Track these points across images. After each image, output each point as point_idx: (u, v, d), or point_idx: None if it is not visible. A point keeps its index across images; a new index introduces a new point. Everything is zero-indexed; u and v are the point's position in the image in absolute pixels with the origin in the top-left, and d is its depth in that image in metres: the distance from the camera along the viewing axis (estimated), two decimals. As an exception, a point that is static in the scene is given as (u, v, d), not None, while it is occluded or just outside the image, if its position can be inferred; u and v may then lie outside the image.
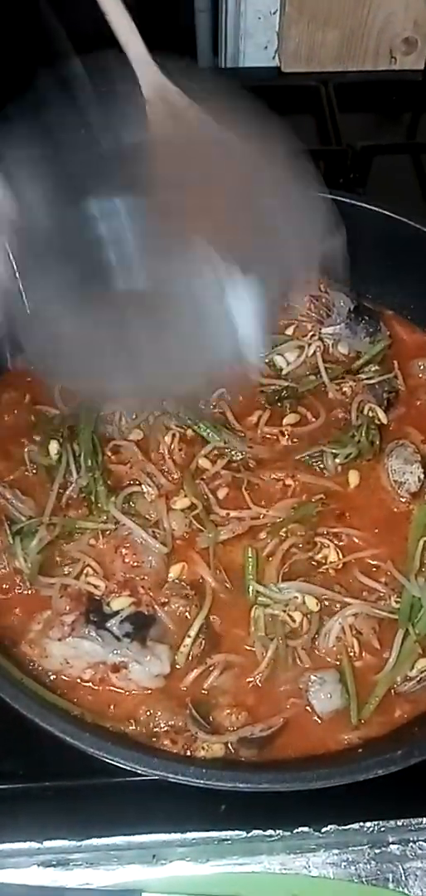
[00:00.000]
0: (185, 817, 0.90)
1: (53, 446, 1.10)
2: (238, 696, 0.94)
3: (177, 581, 1.00)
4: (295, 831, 0.90)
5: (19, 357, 1.03)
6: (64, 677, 0.94)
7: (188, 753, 0.89)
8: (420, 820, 0.91)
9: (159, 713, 0.91)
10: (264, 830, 0.90)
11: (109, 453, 1.11)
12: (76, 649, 0.93)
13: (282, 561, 1.02)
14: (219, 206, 0.86)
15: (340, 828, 0.90)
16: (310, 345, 1.22)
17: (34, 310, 0.87)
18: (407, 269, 1.25)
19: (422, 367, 1.23)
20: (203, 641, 0.96)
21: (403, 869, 0.91)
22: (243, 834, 0.90)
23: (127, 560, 1.01)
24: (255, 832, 0.90)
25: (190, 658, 0.95)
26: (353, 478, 1.10)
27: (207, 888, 0.89)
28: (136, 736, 0.90)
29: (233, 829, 0.90)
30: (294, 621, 0.97)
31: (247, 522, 1.05)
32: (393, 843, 0.91)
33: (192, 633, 0.96)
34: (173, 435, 1.12)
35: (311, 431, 1.15)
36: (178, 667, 0.95)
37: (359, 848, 0.91)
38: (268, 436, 1.14)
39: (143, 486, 1.07)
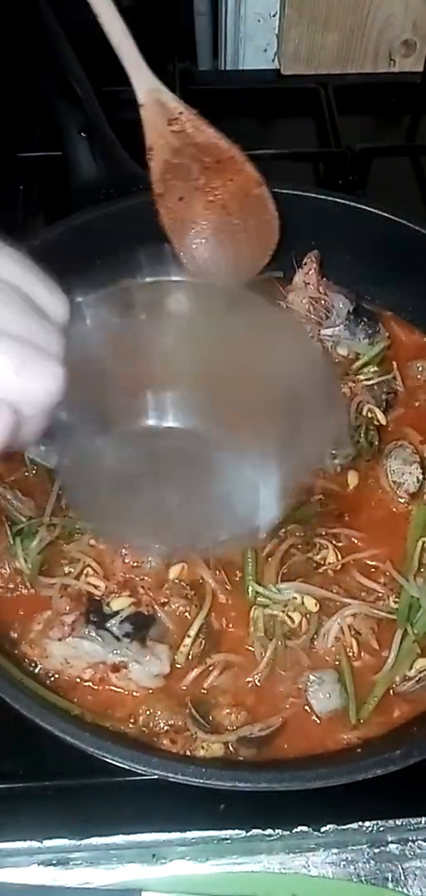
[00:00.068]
0: (185, 816, 0.90)
1: (54, 447, 1.10)
2: (237, 696, 0.94)
3: (176, 581, 1.01)
4: (294, 831, 0.90)
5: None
6: (64, 677, 0.94)
7: (188, 753, 0.89)
8: (419, 819, 0.92)
9: (159, 713, 0.91)
10: (263, 830, 0.90)
11: (109, 454, 1.11)
12: (76, 649, 0.94)
13: (281, 561, 1.02)
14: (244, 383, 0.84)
15: (339, 827, 0.90)
16: (309, 346, 1.22)
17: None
18: (406, 270, 1.25)
19: (420, 369, 1.24)
20: (203, 641, 0.96)
21: (402, 868, 0.91)
22: (242, 833, 0.90)
23: (127, 560, 1.01)
24: (255, 831, 0.90)
25: (189, 658, 0.96)
26: (352, 478, 1.10)
27: (207, 887, 0.89)
28: (136, 735, 0.90)
29: (232, 829, 0.90)
30: (293, 621, 0.97)
31: (247, 523, 1.05)
32: (392, 842, 0.92)
33: (192, 633, 0.96)
34: (173, 436, 1.12)
35: (311, 433, 1.15)
36: (177, 666, 0.95)
37: (359, 847, 0.91)
38: (267, 437, 1.14)
39: (142, 486, 1.07)
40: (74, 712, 0.90)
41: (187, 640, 0.96)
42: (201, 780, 0.82)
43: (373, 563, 1.03)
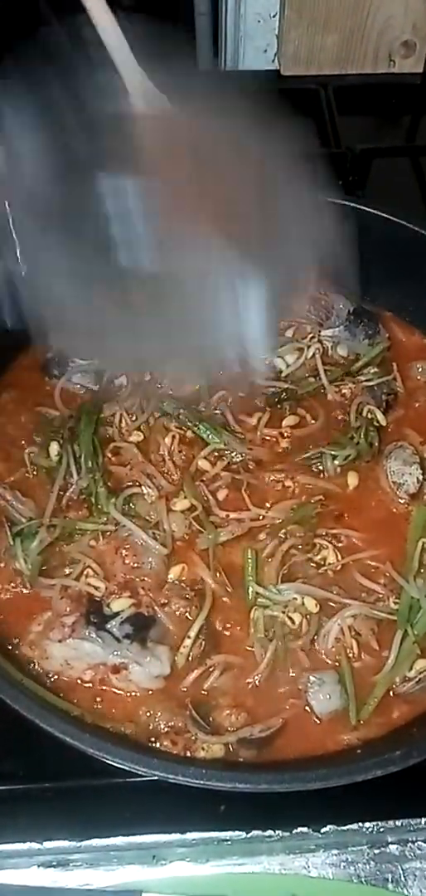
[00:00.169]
0: (185, 818, 0.90)
1: (54, 448, 1.10)
2: (238, 697, 0.94)
3: (177, 582, 1.01)
4: (294, 832, 0.90)
5: (17, 318, 1.02)
6: (64, 678, 0.94)
7: (188, 754, 0.89)
8: (419, 820, 0.92)
9: (159, 714, 0.91)
10: (264, 831, 0.90)
11: (109, 455, 1.11)
12: (76, 650, 0.94)
13: (281, 562, 1.02)
14: (225, 198, 0.85)
15: (339, 828, 0.90)
16: (309, 347, 1.22)
17: (31, 270, 0.86)
18: (406, 271, 1.25)
19: (420, 370, 1.24)
20: (203, 642, 0.96)
21: (402, 869, 0.91)
22: (243, 834, 0.90)
23: (127, 561, 1.01)
24: (255, 833, 0.90)
25: (190, 659, 0.96)
26: (352, 479, 1.11)
27: (207, 888, 0.89)
28: (136, 737, 0.90)
29: (232, 830, 0.90)
30: (293, 622, 0.98)
31: (247, 524, 1.05)
32: (392, 843, 0.92)
33: (192, 634, 0.96)
34: (173, 437, 1.12)
35: (311, 433, 1.15)
36: (178, 668, 0.95)
37: (359, 848, 0.91)
38: (267, 437, 1.14)
39: (143, 487, 1.07)
40: (74, 713, 0.91)
41: (187, 642, 0.96)
42: (201, 782, 0.82)
43: (374, 563, 1.03)
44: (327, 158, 1.57)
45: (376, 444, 1.13)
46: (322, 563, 1.03)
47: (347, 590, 1.01)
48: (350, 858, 0.91)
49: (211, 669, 0.95)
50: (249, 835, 0.90)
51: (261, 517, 1.06)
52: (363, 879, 0.90)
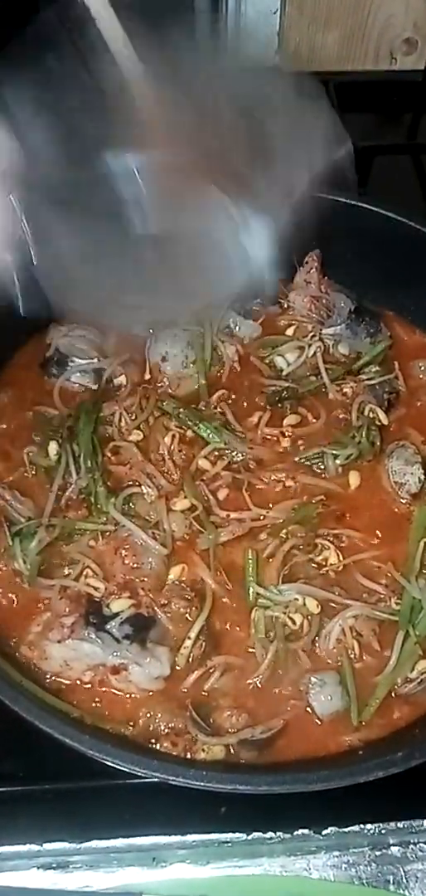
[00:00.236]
0: (185, 819, 0.90)
1: (53, 447, 1.10)
2: (238, 698, 0.93)
3: (177, 583, 1.00)
4: (295, 833, 0.90)
5: (30, 304, 1.03)
6: (63, 679, 0.94)
7: (188, 755, 0.88)
8: (420, 822, 0.92)
9: (159, 715, 0.91)
10: (264, 833, 0.90)
11: (109, 454, 1.11)
12: (76, 651, 0.93)
13: (282, 562, 1.01)
14: (222, 135, 0.87)
15: (341, 830, 0.90)
16: (310, 345, 1.22)
17: (43, 252, 0.87)
18: (407, 269, 1.25)
19: (422, 368, 1.23)
20: (203, 643, 0.96)
21: (404, 871, 0.91)
22: (243, 836, 0.89)
23: (127, 561, 1.01)
24: (256, 834, 0.89)
25: (190, 660, 0.95)
26: (354, 479, 1.10)
27: (207, 890, 0.89)
28: (136, 738, 0.90)
29: (233, 832, 0.90)
30: (294, 623, 0.97)
31: (248, 524, 1.05)
32: (393, 845, 0.91)
33: (193, 634, 0.95)
34: (173, 436, 1.12)
35: (312, 432, 1.14)
36: (178, 669, 0.95)
37: (360, 850, 0.91)
38: (268, 437, 1.14)
39: (142, 487, 1.06)
40: (74, 715, 0.90)
41: (188, 642, 0.95)
42: (202, 783, 0.81)
43: (375, 564, 1.03)
44: (328, 156, 1.57)
45: (378, 443, 1.13)
46: (323, 563, 1.02)
47: (349, 590, 1.00)
48: (351, 860, 0.91)
49: (211, 670, 0.95)
50: (250, 836, 0.90)
51: (261, 517, 1.06)
52: (364, 881, 0.90)
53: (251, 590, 0.99)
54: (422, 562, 1.03)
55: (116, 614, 0.96)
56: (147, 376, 1.18)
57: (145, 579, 1.00)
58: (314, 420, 1.16)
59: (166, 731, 0.90)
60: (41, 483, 1.08)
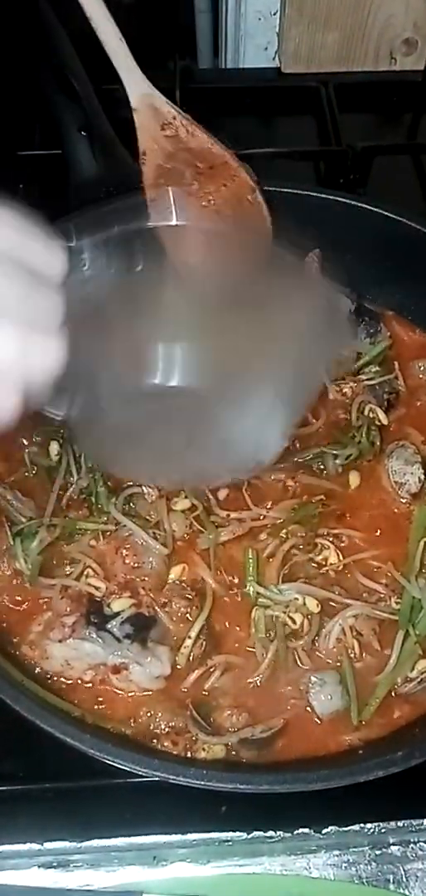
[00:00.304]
0: (186, 818, 0.90)
1: (54, 447, 1.10)
2: (238, 698, 0.94)
3: (177, 582, 1.00)
4: (295, 832, 0.90)
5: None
6: (64, 679, 0.94)
7: (189, 755, 0.89)
8: (421, 821, 0.91)
9: (160, 714, 0.91)
10: (265, 832, 0.90)
11: (110, 454, 1.11)
12: (77, 651, 0.93)
13: (282, 562, 1.02)
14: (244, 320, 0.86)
15: (341, 829, 0.90)
16: (310, 346, 1.22)
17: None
18: (407, 269, 1.25)
19: (422, 368, 1.23)
20: (204, 643, 0.96)
21: (404, 870, 0.91)
22: (244, 835, 0.90)
23: (127, 561, 1.01)
24: (256, 833, 0.90)
25: (190, 659, 0.95)
26: (354, 479, 1.10)
27: (208, 889, 0.89)
28: (137, 737, 0.90)
29: (233, 831, 0.90)
30: (294, 622, 0.97)
31: (248, 523, 1.05)
32: (393, 844, 0.91)
33: (193, 634, 0.96)
34: (174, 436, 1.12)
35: (312, 432, 1.14)
36: (178, 668, 0.95)
37: (360, 849, 0.91)
38: (268, 437, 1.14)
39: (143, 487, 1.06)
40: (75, 714, 0.90)
41: (188, 642, 0.95)
42: (202, 782, 0.81)
43: (375, 563, 1.03)
44: (328, 156, 1.57)
45: (378, 443, 1.13)
46: (323, 563, 1.02)
47: (349, 590, 1.01)
48: (351, 859, 0.91)
49: (211, 670, 0.95)
50: (250, 836, 0.90)
51: (262, 517, 1.06)
52: (364, 880, 0.90)
53: (251, 589, 0.99)
54: (422, 561, 1.03)
55: (117, 614, 0.96)
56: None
57: (146, 579, 1.00)
58: (314, 420, 1.16)
59: (167, 730, 0.90)
60: (42, 483, 1.08)
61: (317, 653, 0.97)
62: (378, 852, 0.91)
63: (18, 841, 0.89)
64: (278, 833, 0.90)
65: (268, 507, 1.06)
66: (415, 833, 0.91)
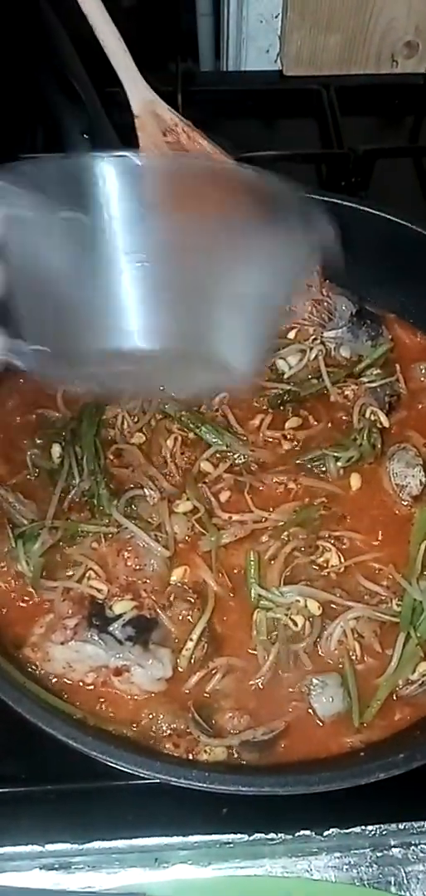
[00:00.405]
0: (188, 820, 0.90)
1: (56, 450, 1.10)
2: (240, 700, 0.94)
3: (179, 584, 1.01)
4: (297, 835, 0.90)
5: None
6: (66, 681, 0.94)
7: (190, 757, 0.89)
8: (422, 823, 0.92)
9: (161, 716, 0.91)
10: (266, 834, 0.90)
11: (112, 457, 1.11)
12: (78, 653, 0.94)
13: (284, 564, 1.02)
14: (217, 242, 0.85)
15: (342, 831, 0.90)
16: (312, 348, 1.22)
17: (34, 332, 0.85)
18: (409, 272, 1.25)
19: (423, 371, 1.23)
20: (205, 645, 0.96)
21: (405, 872, 0.91)
22: (245, 837, 0.90)
23: (129, 563, 1.01)
24: (257, 835, 0.90)
25: (192, 661, 0.95)
26: (355, 481, 1.10)
27: (209, 891, 0.89)
28: (139, 739, 0.90)
29: (235, 833, 0.90)
30: (296, 625, 0.97)
31: (250, 526, 1.05)
32: (395, 846, 0.91)
33: (195, 636, 0.96)
34: (175, 438, 1.12)
35: (313, 435, 1.15)
36: (180, 670, 0.95)
37: (361, 851, 0.91)
38: (270, 439, 1.14)
39: (145, 489, 1.07)
40: (77, 716, 0.90)
41: (190, 644, 0.95)
42: (204, 785, 0.82)
43: (376, 566, 1.03)
44: (330, 159, 1.58)
45: (379, 445, 1.13)
46: (325, 565, 1.02)
47: (350, 592, 1.01)
48: (352, 861, 0.91)
49: (213, 672, 0.95)
50: (252, 838, 0.90)
51: (263, 519, 1.06)
52: (366, 882, 0.90)
53: (253, 591, 1.00)
54: (423, 564, 1.03)
55: (119, 616, 0.96)
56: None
57: (148, 581, 1.00)
58: (315, 423, 1.16)
59: (168, 732, 0.90)
60: (44, 485, 1.09)
61: (318, 655, 0.97)
62: (379, 854, 0.91)
63: (20, 842, 0.89)
64: (279, 835, 0.90)
65: (270, 509, 1.07)
66: (417, 835, 0.92)
